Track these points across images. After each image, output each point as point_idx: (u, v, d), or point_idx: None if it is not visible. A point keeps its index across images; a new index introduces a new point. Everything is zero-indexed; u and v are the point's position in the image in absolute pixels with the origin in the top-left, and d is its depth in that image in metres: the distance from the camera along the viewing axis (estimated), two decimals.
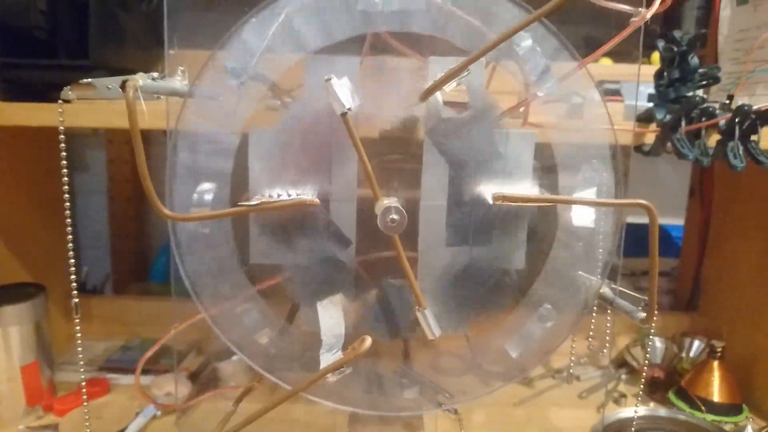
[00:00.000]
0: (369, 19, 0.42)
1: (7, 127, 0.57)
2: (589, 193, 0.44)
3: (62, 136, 0.41)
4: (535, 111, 0.48)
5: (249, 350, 0.49)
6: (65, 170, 0.41)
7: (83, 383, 0.47)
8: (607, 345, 0.52)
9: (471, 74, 0.40)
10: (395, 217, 0.39)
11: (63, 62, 0.63)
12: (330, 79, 0.38)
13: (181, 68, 0.44)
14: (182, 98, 0.43)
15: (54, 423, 0.72)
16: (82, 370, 0.46)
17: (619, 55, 0.89)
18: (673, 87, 0.66)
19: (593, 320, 0.52)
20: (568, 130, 0.46)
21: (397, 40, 0.46)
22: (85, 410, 0.49)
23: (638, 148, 0.67)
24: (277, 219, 0.44)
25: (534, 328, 0.47)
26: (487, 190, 0.43)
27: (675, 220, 1.13)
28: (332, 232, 0.45)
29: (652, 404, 0.81)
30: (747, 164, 0.61)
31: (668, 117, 0.63)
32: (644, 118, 0.67)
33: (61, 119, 0.41)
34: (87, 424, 0.50)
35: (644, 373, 0.57)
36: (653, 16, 0.50)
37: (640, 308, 0.44)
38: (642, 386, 0.53)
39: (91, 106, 0.57)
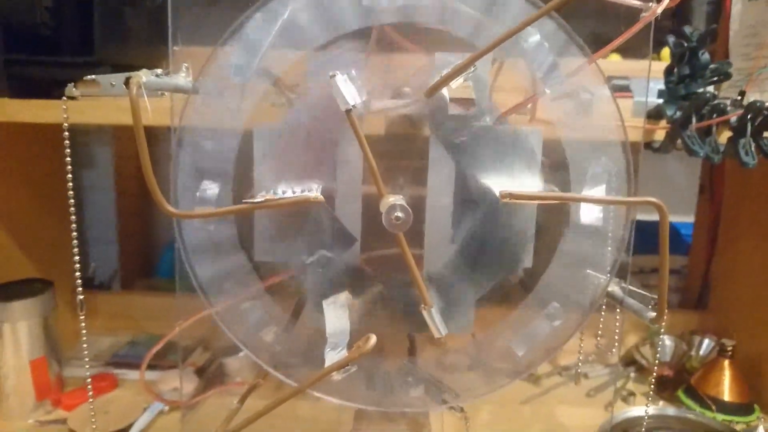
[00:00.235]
0: (374, 13, 0.42)
1: (14, 124, 0.57)
2: (599, 191, 0.44)
3: (66, 133, 0.41)
4: (544, 108, 0.47)
5: (254, 347, 0.49)
6: (69, 167, 0.41)
7: (88, 379, 0.47)
8: (616, 344, 0.51)
9: (477, 70, 0.39)
10: (400, 214, 0.39)
11: (68, 59, 0.63)
12: (334, 76, 0.38)
13: (185, 65, 0.43)
14: (186, 95, 0.43)
15: (62, 417, 0.72)
16: (87, 366, 0.46)
17: (628, 50, 0.88)
18: (683, 83, 0.65)
19: (602, 318, 0.51)
20: (577, 126, 0.45)
21: (402, 36, 0.46)
22: (91, 406, 0.49)
23: (648, 145, 0.66)
24: (282, 216, 0.44)
25: (541, 327, 0.46)
26: (494, 187, 0.43)
27: (685, 218, 1.12)
28: (337, 229, 0.45)
29: (661, 403, 0.80)
30: (758, 161, 0.60)
31: (678, 113, 0.62)
32: (654, 115, 0.67)
33: (65, 116, 0.41)
34: (93, 419, 0.50)
35: (654, 373, 0.56)
36: (664, 12, 0.49)
37: (650, 307, 0.43)
38: (652, 385, 0.52)
39: (96, 102, 0.57)
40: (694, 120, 0.61)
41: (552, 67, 0.43)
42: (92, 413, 0.51)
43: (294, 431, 0.70)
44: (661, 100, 0.67)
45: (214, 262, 0.45)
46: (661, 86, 0.69)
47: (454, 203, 0.45)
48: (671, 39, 0.66)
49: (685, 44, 0.64)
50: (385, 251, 0.47)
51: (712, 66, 0.64)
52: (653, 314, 0.41)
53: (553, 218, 0.46)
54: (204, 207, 0.43)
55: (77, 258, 0.42)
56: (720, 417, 0.74)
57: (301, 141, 0.43)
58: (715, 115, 0.61)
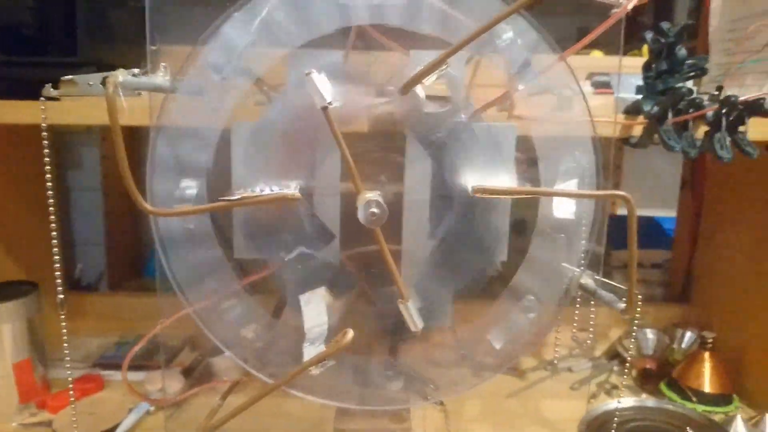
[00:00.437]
0: (349, 12, 0.42)
1: None
2: (570, 185, 0.44)
3: (45, 133, 0.41)
4: (519, 104, 0.48)
5: (237, 345, 0.49)
6: (48, 167, 0.41)
7: (70, 380, 0.47)
8: (591, 336, 0.52)
9: (450, 67, 0.40)
10: (375, 210, 0.39)
11: (51, 59, 0.63)
12: (310, 73, 0.38)
13: (164, 64, 0.44)
14: (165, 94, 0.43)
15: (47, 420, 0.72)
16: (68, 366, 0.46)
17: (610, 47, 0.89)
18: (660, 78, 0.66)
19: (576, 311, 0.52)
20: (550, 122, 0.46)
21: (381, 34, 0.46)
22: (73, 409, 0.50)
23: (626, 141, 0.67)
24: (261, 214, 0.45)
25: (517, 319, 0.47)
26: (469, 183, 0.43)
27: (668, 212, 1.13)
28: (316, 226, 0.45)
29: (644, 395, 0.81)
30: (736, 155, 0.61)
31: (655, 109, 0.63)
32: (632, 110, 0.67)
33: (44, 116, 0.41)
34: (74, 421, 0.50)
35: (628, 363, 0.57)
36: (644, 8, 0.50)
37: (624, 299, 0.44)
38: (625, 376, 0.53)
39: (79, 103, 0.57)
40: (670, 115, 0.62)
41: (525, 64, 0.43)
42: (74, 415, 0.51)
43: (280, 428, 0.71)
44: (640, 96, 0.68)
45: (194, 261, 0.46)
46: (641, 82, 0.69)
47: (431, 199, 0.45)
48: (649, 35, 0.67)
49: (663, 40, 0.65)
50: (365, 248, 0.47)
51: (689, 61, 0.65)
52: (623, 305, 0.42)
53: (528, 213, 0.47)
54: (182, 205, 0.43)
55: (57, 258, 0.42)
56: (700, 408, 0.76)
57: (280, 138, 0.43)
58: (691, 110, 0.62)
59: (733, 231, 0.90)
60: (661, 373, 0.85)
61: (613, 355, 0.92)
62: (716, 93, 0.69)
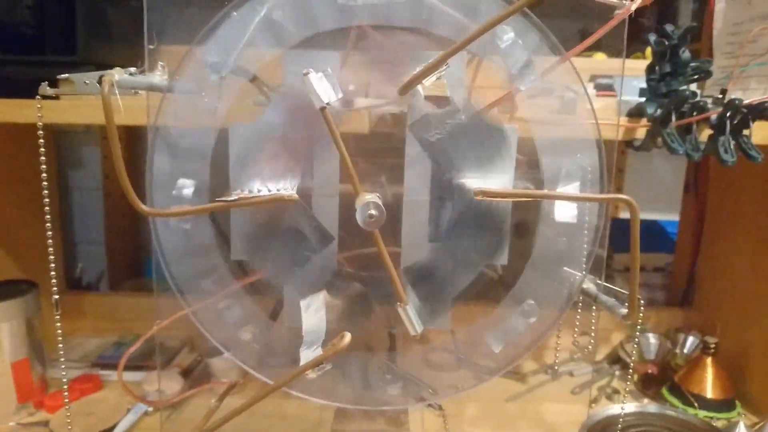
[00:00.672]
0: (350, 12, 0.42)
1: None
2: (573, 188, 0.44)
3: (41, 132, 0.40)
4: (521, 105, 0.47)
5: (234, 346, 0.49)
6: (45, 165, 0.41)
7: (65, 380, 0.47)
8: (592, 341, 0.52)
9: (450, 68, 0.39)
10: (374, 212, 0.39)
11: (50, 58, 0.63)
12: (308, 73, 0.38)
13: (161, 63, 0.43)
14: (162, 93, 0.43)
15: (45, 420, 0.72)
16: (63, 366, 0.46)
17: (613, 49, 0.89)
18: (664, 81, 0.65)
19: (578, 315, 0.52)
20: (553, 124, 0.45)
21: (380, 34, 0.46)
22: (67, 410, 0.49)
23: (629, 143, 0.67)
24: (259, 215, 0.44)
25: (517, 324, 0.47)
26: (470, 185, 0.43)
27: (670, 216, 1.13)
28: (314, 227, 0.45)
29: (646, 400, 0.81)
30: (740, 159, 0.60)
31: (659, 111, 0.62)
32: (635, 113, 0.67)
33: (40, 115, 0.40)
34: (68, 421, 0.49)
35: (630, 368, 0.56)
36: (647, 10, 0.49)
37: (625, 304, 0.43)
38: (628, 382, 0.52)
39: (77, 102, 0.57)
40: (674, 118, 0.61)
41: (526, 65, 0.43)
42: (68, 415, 0.51)
43: (278, 429, 0.70)
44: (643, 99, 0.67)
45: (191, 262, 0.45)
46: (644, 85, 0.69)
47: (431, 201, 0.45)
48: (653, 37, 0.66)
49: (667, 42, 0.64)
50: (363, 250, 0.47)
51: (693, 64, 0.65)
52: (626, 311, 0.41)
53: (530, 215, 0.47)
54: (179, 206, 0.43)
55: (52, 257, 0.42)
56: (702, 414, 0.75)
57: (278, 139, 0.43)
58: (694, 113, 0.61)
59: (736, 235, 0.89)
60: (662, 378, 0.85)
61: (615, 359, 0.92)
62: (720, 96, 0.69)
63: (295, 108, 0.43)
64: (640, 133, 0.65)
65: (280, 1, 0.43)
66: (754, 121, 0.61)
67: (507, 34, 0.42)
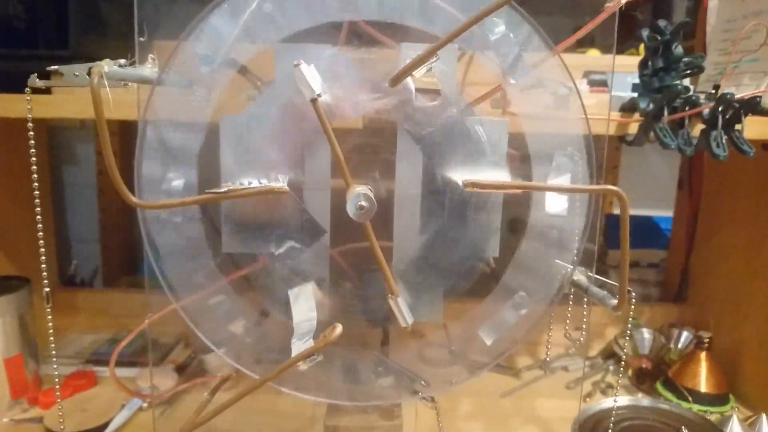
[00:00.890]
0: (345, 5, 0.42)
1: None
2: (563, 181, 0.44)
3: (30, 125, 0.40)
4: (513, 100, 0.47)
5: (225, 340, 0.49)
6: (34, 158, 0.40)
7: (56, 376, 0.47)
8: (583, 334, 0.52)
9: (441, 61, 0.39)
10: (364, 203, 0.39)
11: (42, 52, 0.63)
12: (299, 65, 0.38)
13: (152, 56, 0.43)
14: (152, 86, 0.43)
15: (39, 416, 0.72)
16: (54, 360, 0.46)
17: (607, 45, 0.89)
18: (657, 76, 0.65)
19: (569, 309, 0.52)
20: (543, 119, 0.45)
21: (373, 28, 0.46)
22: (59, 406, 0.49)
23: (622, 138, 0.67)
24: (250, 208, 0.44)
25: (508, 316, 0.47)
26: (461, 178, 0.43)
27: (665, 212, 1.13)
28: (306, 221, 0.45)
29: (640, 395, 0.81)
30: (733, 155, 0.60)
31: (651, 106, 0.63)
32: (629, 108, 0.67)
33: (29, 107, 0.40)
34: (61, 418, 0.49)
35: (623, 362, 0.56)
36: (642, 6, 0.50)
37: (616, 295, 0.43)
38: (621, 375, 0.52)
39: (68, 96, 0.57)
40: (666, 112, 0.61)
41: (517, 59, 0.43)
42: (60, 411, 0.51)
43: (271, 425, 0.70)
44: (636, 94, 0.68)
45: (183, 256, 0.45)
46: (638, 80, 0.69)
47: (423, 194, 0.45)
48: (646, 32, 0.66)
49: (659, 38, 0.65)
50: (355, 244, 0.47)
51: (685, 59, 0.65)
52: (615, 302, 0.42)
53: (521, 209, 0.47)
54: (169, 198, 0.42)
55: (43, 250, 0.42)
56: (696, 408, 0.75)
57: (268, 131, 0.43)
58: (687, 108, 0.62)
59: (730, 231, 0.89)
60: (657, 373, 0.85)
61: (610, 354, 0.92)
62: (713, 92, 0.69)
63: (287, 100, 0.42)
64: (633, 128, 0.65)
65: None
66: (746, 115, 0.61)
67: (498, 27, 0.42)
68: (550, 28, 0.45)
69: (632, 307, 0.44)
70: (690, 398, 0.77)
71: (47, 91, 0.51)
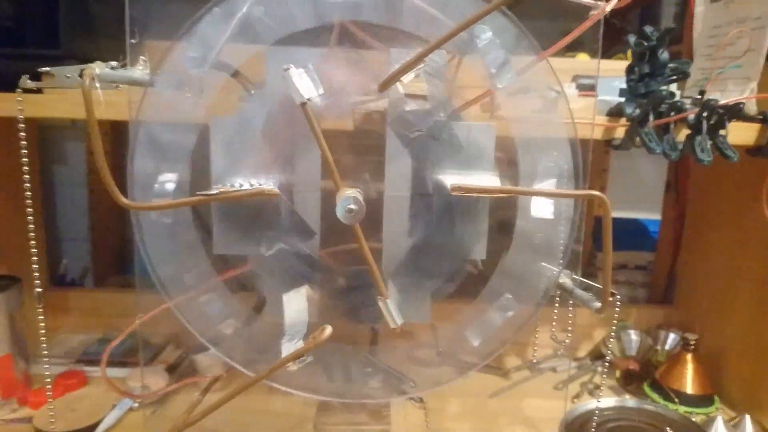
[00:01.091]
0: (325, 9, 0.42)
1: None
2: (549, 185, 0.45)
3: (22, 125, 0.40)
4: (501, 104, 0.48)
5: (217, 339, 0.49)
6: (26, 159, 0.41)
7: (48, 375, 0.47)
8: (569, 336, 0.53)
9: (430, 66, 0.40)
10: (353, 206, 0.39)
11: (32, 52, 0.62)
12: (289, 69, 0.38)
13: (143, 57, 0.43)
14: (144, 88, 0.43)
15: (28, 416, 0.72)
16: (45, 359, 0.46)
17: (596, 49, 0.90)
18: (643, 82, 0.66)
19: (555, 311, 0.52)
20: (530, 122, 0.46)
21: (363, 32, 0.46)
22: (50, 405, 0.49)
23: (609, 143, 0.68)
24: (241, 209, 0.45)
25: (495, 317, 0.48)
26: (449, 181, 0.44)
27: (652, 215, 1.14)
28: (296, 222, 0.45)
29: (627, 396, 0.82)
30: (718, 159, 0.61)
31: (637, 111, 0.63)
32: (615, 113, 0.68)
33: (20, 108, 0.40)
34: (52, 418, 0.49)
35: (608, 363, 0.57)
36: (630, 13, 0.50)
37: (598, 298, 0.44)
38: (605, 376, 0.53)
39: (59, 96, 0.56)
40: (651, 117, 0.62)
41: (504, 64, 0.43)
42: (51, 411, 0.51)
43: (262, 424, 0.71)
44: (623, 99, 0.68)
45: (174, 256, 0.46)
46: (625, 85, 0.70)
47: (412, 197, 0.46)
48: (632, 38, 0.67)
49: (646, 43, 0.66)
50: (345, 246, 0.47)
51: (671, 65, 0.66)
52: (599, 304, 0.42)
53: (508, 212, 0.47)
54: (161, 200, 0.43)
55: (34, 250, 0.42)
56: (681, 409, 0.76)
57: (259, 134, 0.43)
58: (672, 113, 0.63)
59: (715, 233, 0.91)
60: (644, 374, 0.86)
61: (598, 355, 0.93)
62: (699, 97, 0.70)
63: (277, 103, 0.43)
64: (620, 132, 0.66)
65: None
66: (730, 121, 0.62)
67: (485, 33, 0.43)
68: (537, 32, 0.46)
69: (617, 309, 0.45)
70: (676, 399, 0.78)
71: (38, 90, 0.51)
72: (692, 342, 0.82)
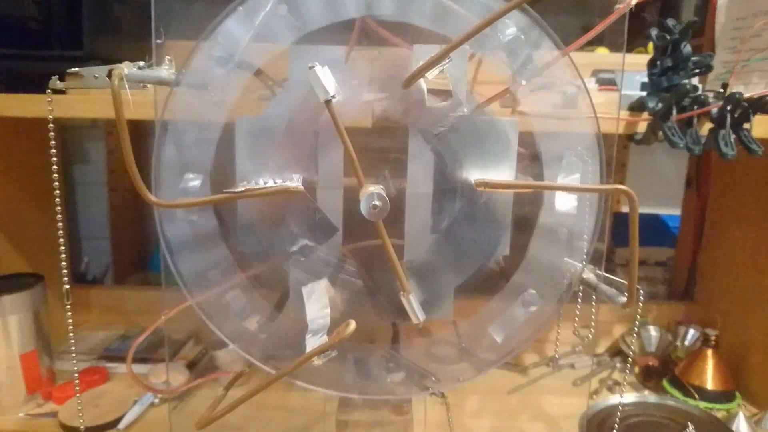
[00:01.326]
0: (344, 6, 0.42)
1: (2, 119, 0.58)
2: (573, 180, 0.45)
3: (51, 125, 0.41)
4: (523, 100, 0.48)
5: (240, 337, 0.50)
6: (55, 158, 0.41)
7: (75, 370, 0.48)
8: (592, 331, 0.52)
9: (453, 62, 0.40)
10: (377, 203, 0.39)
11: (57, 53, 0.63)
12: (313, 67, 0.39)
13: (168, 57, 0.44)
14: (170, 87, 0.44)
15: (53, 411, 0.73)
16: (74, 354, 0.47)
17: (615, 44, 0.89)
18: (665, 75, 0.66)
19: (578, 307, 0.52)
20: (554, 118, 0.46)
21: (384, 29, 0.46)
22: (78, 399, 0.50)
23: (631, 137, 0.67)
24: (265, 206, 0.45)
25: (518, 313, 0.47)
26: (471, 177, 0.44)
27: (672, 210, 1.13)
28: (319, 219, 0.46)
29: (646, 392, 0.82)
30: (741, 154, 0.61)
31: (659, 105, 0.63)
32: (637, 107, 0.67)
33: (50, 108, 0.41)
34: (80, 412, 0.50)
35: (631, 359, 0.57)
36: (650, 5, 0.50)
37: (625, 293, 0.44)
38: (628, 372, 0.53)
39: (84, 96, 0.57)
40: (674, 112, 0.62)
41: (527, 60, 0.43)
42: (79, 405, 0.51)
43: (282, 421, 0.71)
44: (644, 93, 0.68)
45: (198, 253, 0.46)
46: (646, 79, 0.69)
47: (434, 193, 0.46)
48: (654, 32, 0.66)
49: (668, 37, 0.65)
50: (368, 242, 0.47)
51: (694, 58, 0.65)
52: (624, 299, 0.42)
53: (531, 208, 0.47)
54: (186, 198, 0.43)
55: (63, 248, 0.43)
56: (702, 405, 0.76)
57: (283, 132, 0.44)
58: (695, 107, 0.62)
59: (737, 229, 0.89)
60: (663, 371, 0.85)
61: (617, 352, 0.93)
62: (721, 90, 0.69)
63: (300, 101, 0.43)
64: (642, 126, 0.66)
65: None
66: (754, 114, 0.62)
67: (509, 29, 0.43)
68: (558, 27, 0.46)
69: (640, 304, 0.44)
70: (696, 396, 0.77)
71: (62, 91, 0.52)
72: (713, 338, 0.81)
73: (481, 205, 0.45)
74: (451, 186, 0.45)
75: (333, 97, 0.39)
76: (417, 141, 0.45)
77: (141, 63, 0.41)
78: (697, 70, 0.66)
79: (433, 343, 0.55)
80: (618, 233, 1.09)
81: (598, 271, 0.47)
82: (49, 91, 0.41)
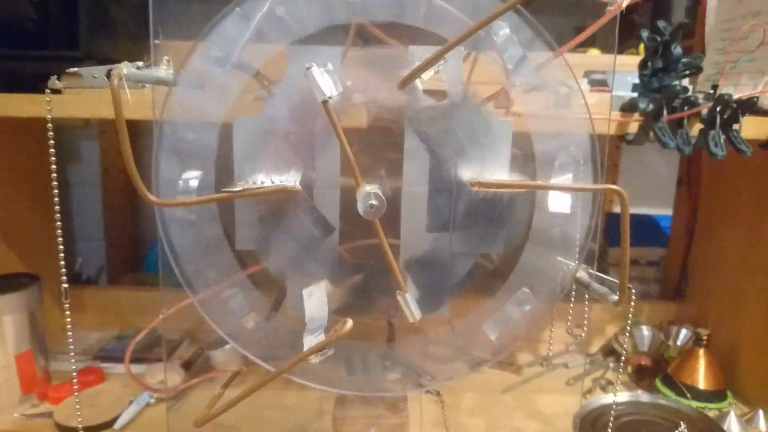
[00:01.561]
0: (340, 8, 0.43)
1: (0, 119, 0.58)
2: (566, 180, 0.45)
3: (50, 125, 0.41)
4: (516, 100, 0.48)
5: (236, 334, 0.50)
6: (53, 158, 0.42)
7: (74, 369, 0.48)
8: (585, 330, 0.53)
9: (448, 62, 0.40)
10: (374, 202, 0.40)
11: (53, 53, 0.63)
12: (310, 68, 0.39)
13: (166, 57, 0.44)
14: (168, 87, 0.44)
15: (48, 411, 0.73)
16: (72, 354, 0.47)
17: (607, 45, 0.90)
18: (656, 76, 0.67)
19: (571, 306, 0.53)
20: (547, 118, 0.47)
21: (380, 30, 0.47)
22: (77, 399, 0.50)
23: (622, 137, 0.68)
24: (263, 206, 0.45)
25: (512, 312, 0.48)
26: (466, 176, 0.44)
27: (664, 210, 1.14)
28: (316, 218, 0.46)
29: (639, 391, 0.82)
30: (731, 154, 0.62)
31: (650, 106, 0.64)
32: (628, 108, 0.68)
33: (49, 108, 0.41)
34: (78, 412, 0.50)
35: (623, 359, 0.58)
36: (641, 7, 0.50)
37: (617, 292, 0.45)
38: (620, 371, 0.53)
39: (80, 96, 0.57)
40: (665, 112, 0.62)
41: (521, 60, 0.44)
42: (77, 406, 0.52)
43: (279, 420, 0.72)
44: (636, 94, 0.69)
45: (197, 252, 0.46)
46: (637, 80, 0.70)
47: (429, 192, 0.46)
48: (645, 33, 0.67)
49: (659, 38, 0.66)
50: (364, 241, 0.48)
51: (684, 59, 0.66)
52: (616, 298, 0.43)
53: (525, 207, 0.48)
54: (185, 197, 0.44)
55: (61, 248, 0.43)
56: (694, 404, 0.76)
57: (281, 132, 0.44)
58: (686, 108, 0.63)
59: (728, 229, 0.91)
60: (656, 370, 0.86)
61: (609, 351, 0.93)
62: (711, 91, 0.70)
63: (298, 102, 0.44)
64: (633, 127, 0.66)
65: None
66: (743, 115, 0.63)
67: (502, 30, 0.43)
68: (550, 28, 0.46)
69: (632, 303, 0.45)
70: (688, 395, 0.78)
71: (57, 91, 0.52)
72: (704, 337, 0.82)
73: (475, 204, 0.46)
74: (447, 185, 0.46)
75: (330, 97, 0.40)
76: (413, 140, 0.46)
77: (140, 63, 0.41)
78: (687, 72, 0.67)
79: (428, 341, 0.55)
80: (611, 233, 1.10)
81: (591, 270, 0.48)
82: (48, 91, 0.41)
